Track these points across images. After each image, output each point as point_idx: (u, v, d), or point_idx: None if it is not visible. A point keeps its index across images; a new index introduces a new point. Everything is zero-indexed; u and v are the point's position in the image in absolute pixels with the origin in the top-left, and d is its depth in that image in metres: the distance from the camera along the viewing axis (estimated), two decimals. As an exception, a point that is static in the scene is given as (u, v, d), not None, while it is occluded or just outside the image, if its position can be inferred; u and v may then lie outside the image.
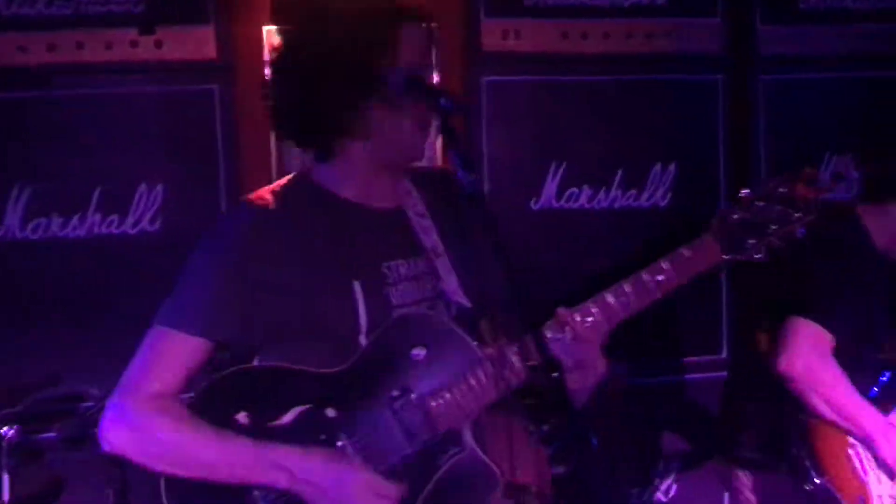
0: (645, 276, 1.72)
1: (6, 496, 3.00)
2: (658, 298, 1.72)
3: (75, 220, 3.51)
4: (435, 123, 1.71)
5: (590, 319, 1.70)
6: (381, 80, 1.71)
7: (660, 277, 1.71)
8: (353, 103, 1.73)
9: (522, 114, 3.86)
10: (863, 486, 2.72)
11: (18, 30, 3.41)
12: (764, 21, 3.95)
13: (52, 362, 3.37)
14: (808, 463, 2.77)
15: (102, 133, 3.53)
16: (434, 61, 1.98)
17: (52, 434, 3.15)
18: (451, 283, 1.86)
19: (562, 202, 3.92)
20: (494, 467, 1.79)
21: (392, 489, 1.68)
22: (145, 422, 1.71)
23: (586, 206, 3.93)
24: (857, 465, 2.75)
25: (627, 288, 1.72)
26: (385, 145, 1.77)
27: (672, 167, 3.95)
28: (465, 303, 1.82)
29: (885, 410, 2.71)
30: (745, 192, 1.76)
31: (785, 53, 4.00)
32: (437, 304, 1.85)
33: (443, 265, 1.86)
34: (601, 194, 3.93)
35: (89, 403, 3.19)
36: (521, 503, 3.02)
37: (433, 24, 1.89)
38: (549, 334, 1.69)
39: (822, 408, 2.70)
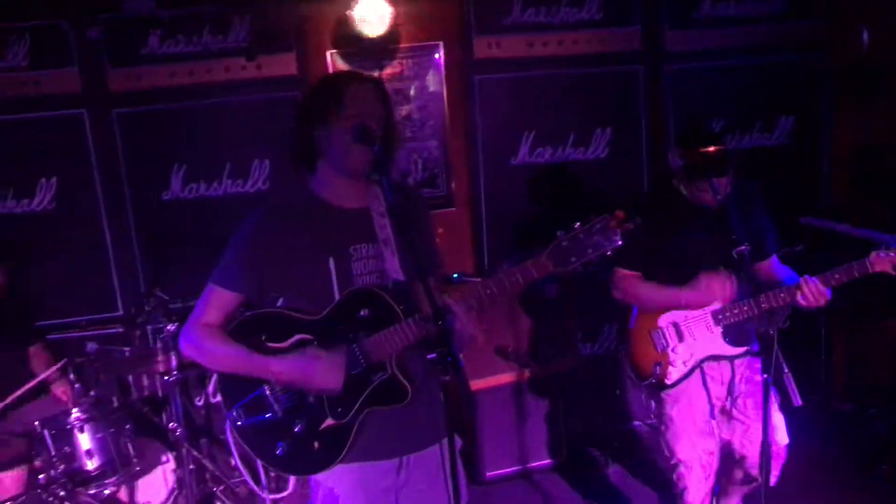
0: (503, 277, 2.18)
1: (174, 364, 3.99)
2: (511, 293, 2.19)
3: (214, 184, 4.69)
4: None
5: (467, 305, 2.18)
6: (330, 124, 2.17)
7: (512, 279, 2.18)
8: (313, 138, 2.24)
9: (503, 99, 4.83)
10: (660, 355, 3.20)
11: (168, 63, 4.56)
12: (671, 27, 4.93)
13: (203, 277, 4.19)
14: (623, 352, 3.41)
15: (228, 127, 4.64)
16: (380, 108, 2.23)
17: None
18: (392, 263, 2.27)
19: (532, 158, 4.92)
20: (407, 385, 2.26)
21: (340, 365, 2.21)
22: (198, 340, 2.30)
23: (549, 160, 4.93)
24: (656, 343, 3.20)
25: (493, 285, 2.18)
26: (335, 162, 2.24)
27: (609, 130, 4.94)
28: (401, 278, 2.27)
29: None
30: (576, 224, 2.12)
31: (685, 50, 4.94)
32: (383, 276, 2.29)
33: (388, 251, 2.28)
34: (559, 151, 4.93)
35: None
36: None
37: (375, 84, 2.26)
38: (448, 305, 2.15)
39: (648, 307, 3.22)
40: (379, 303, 2.25)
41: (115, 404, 3.84)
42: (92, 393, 3.93)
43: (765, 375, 2.75)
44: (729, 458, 3.41)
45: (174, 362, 4.03)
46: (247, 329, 2.29)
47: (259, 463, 3.90)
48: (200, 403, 4.70)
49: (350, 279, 2.26)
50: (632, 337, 3.34)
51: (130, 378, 4.60)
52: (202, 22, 4.57)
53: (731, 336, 3.17)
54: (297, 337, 2.27)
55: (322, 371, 2.20)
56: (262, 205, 2.31)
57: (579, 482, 4.52)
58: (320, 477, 2.36)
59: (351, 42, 4.66)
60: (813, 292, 2.93)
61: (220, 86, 4.62)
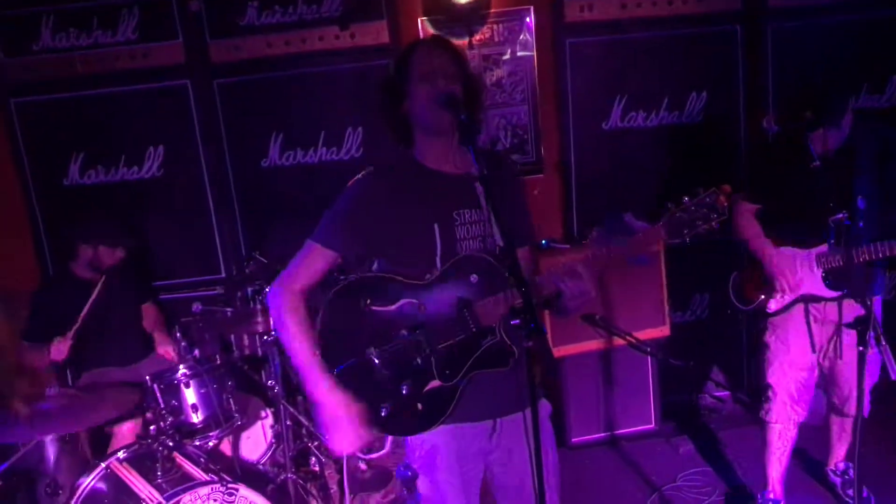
0: (620, 241, 2.22)
1: (273, 325, 3.69)
2: (627, 257, 2.23)
3: (311, 151, 4.80)
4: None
5: (587, 266, 2.22)
6: (408, 93, 2.27)
7: (626, 248, 2.22)
8: (400, 112, 2.32)
9: (595, 63, 4.75)
10: (765, 287, 3.42)
11: (265, 33, 4.68)
12: None
13: (299, 241, 4.29)
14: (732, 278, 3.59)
15: (323, 96, 4.72)
16: (452, 66, 2.27)
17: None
18: (494, 230, 2.29)
19: (625, 123, 4.83)
20: (514, 349, 2.30)
21: (353, 432, 2.22)
22: (282, 311, 2.32)
23: (643, 125, 4.83)
24: (764, 274, 3.42)
25: (608, 251, 2.22)
26: (425, 128, 2.31)
27: (704, 94, 4.79)
28: (501, 244, 2.28)
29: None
30: (686, 198, 2.18)
31: (788, 6, 4.68)
32: (487, 241, 2.32)
33: (491, 216, 2.29)
34: (652, 115, 4.82)
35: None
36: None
37: (443, 43, 2.35)
38: (556, 275, 2.21)
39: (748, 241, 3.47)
40: (487, 269, 2.27)
41: (218, 362, 4.03)
42: (196, 352, 4.14)
43: (860, 348, 2.76)
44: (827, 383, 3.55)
45: (273, 323, 4.19)
46: (352, 291, 2.30)
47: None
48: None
49: (454, 244, 2.29)
50: (745, 267, 3.52)
51: (232, 337, 4.84)
52: None
53: (833, 279, 3.27)
54: (403, 301, 2.29)
55: (339, 428, 2.22)
56: (367, 168, 2.34)
57: (666, 451, 4.53)
58: (418, 437, 2.40)
59: (441, 8, 4.67)
60: None
61: (314, 55, 4.72)
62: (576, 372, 4.45)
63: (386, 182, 2.33)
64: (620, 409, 4.59)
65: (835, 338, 3.39)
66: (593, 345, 4.45)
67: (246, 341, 4.87)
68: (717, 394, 5.14)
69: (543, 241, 4.46)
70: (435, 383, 2.30)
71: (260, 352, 4.79)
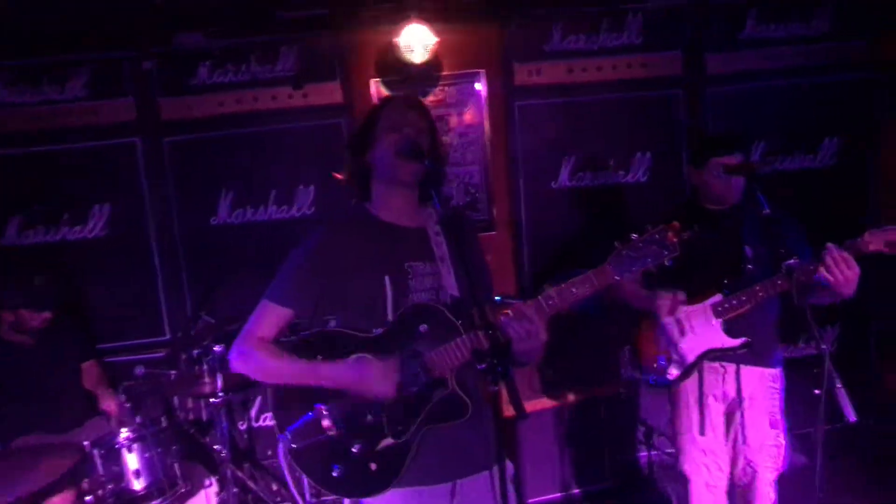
0: (565, 287, 2.17)
1: (220, 386, 4.03)
2: (575, 302, 2.17)
3: (261, 209, 4.75)
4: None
5: (536, 308, 2.15)
6: (375, 143, 2.29)
7: (573, 290, 2.17)
8: (363, 163, 2.33)
9: (544, 125, 4.85)
10: (663, 351, 3.26)
11: (217, 92, 4.67)
12: (712, 51, 4.90)
13: (250, 299, 3.85)
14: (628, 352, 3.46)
15: (274, 154, 4.71)
16: (419, 120, 2.32)
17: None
18: (449, 281, 2.28)
19: (573, 182, 4.90)
20: (468, 400, 2.24)
21: (392, 370, 2.18)
22: (251, 353, 2.28)
23: (590, 184, 4.90)
24: (659, 338, 3.26)
25: (554, 293, 2.17)
26: (386, 180, 2.31)
27: (649, 155, 4.92)
28: (457, 294, 2.27)
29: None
30: (633, 235, 2.14)
31: (727, 72, 4.88)
32: (439, 293, 2.28)
33: (445, 268, 2.29)
34: (600, 175, 4.91)
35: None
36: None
37: (412, 99, 2.40)
38: (505, 319, 2.11)
39: (624, 301, 3.35)
40: (438, 318, 2.24)
41: (164, 424, 3.86)
42: (138, 418, 3.97)
43: (817, 391, 2.72)
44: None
45: (220, 384, 4.07)
46: (302, 349, 2.28)
47: (306, 483, 3.89)
48: (244, 427, 4.77)
49: (406, 296, 2.26)
50: (637, 334, 3.38)
51: (176, 401, 4.67)
52: (250, 52, 4.69)
53: (731, 328, 3.15)
54: (354, 356, 2.25)
55: (376, 376, 2.18)
56: (322, 223, 2.35)
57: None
58: (373, 501, 2.31)
59: (394, 70, 4.74)
60: (838, 260, 2.74)
61: (267, 114, 4.73)
62: (531, 429, 4.39)
63: (339, 236, 2.32)
64: (576, 467, 4.52)
65: (737, 419, 3.27)
66: (548, 402, 4.41)
67: (190, 405, 4.72)
68: (668, 450, 5.09)
69: (497, 298, 4.42)
70: (388, 441, 2.25)
71: (205, 416, 4.65)
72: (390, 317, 2.25)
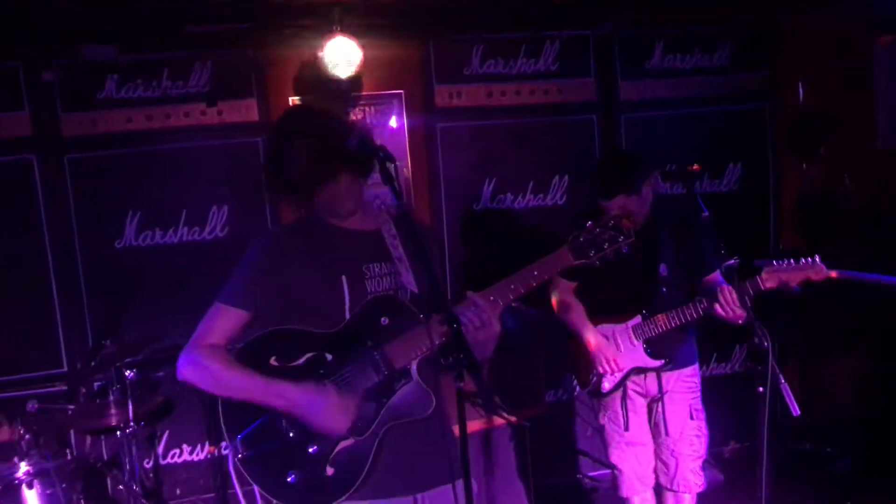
0: (525, 272, 2.19)
1: (131, 416, 3.81)
2: (533, 287, 2.19)
3: (170, 231, 4.58)
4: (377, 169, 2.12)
5: (491, 298, 2.15)
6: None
7: (535, 272, 2.19)
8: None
9: (465, 147, 4.91)
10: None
11: (125, 107, 4.49)
12: (623, 78, 5.09)
13: (159, 325, 4.11)
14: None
15: (186, 173, 4.57)
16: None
17: (162, 373, 4.09)
18: (408, 278, 2.26)
19: (494, 204, 4.98)
20: (431, 392, 2.21)
21: (351, 407, 2.12)
22: (202, 360, 2.18)
23: (510, 206, 4.99)
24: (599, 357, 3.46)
25: (515, 278, 2.19)
26: (322, 208, 2.25)
27: (566, 178, 5.03)
28: (415, 290, 2.24)
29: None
30: (589, 223, 2.21)
31: (636, 99, 5.08)
32: (398, 292, 2.26)
33: (403, 267, 2.26)
34: (519, 198, 4.99)
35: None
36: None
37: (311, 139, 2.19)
38: (457, 308, 2.11)
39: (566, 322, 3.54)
40: (399, 310, 2.21)
41: (69, 457, 3.55)
42: (33, 452, 3.62)
43: (761, 389, 2.88)
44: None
45: (131, 414, 3.82)
46: (253, 351, 2.19)
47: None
48: (150, 466, 4.46)
49: (363, 296, 2.22)
50: (574, 348, 3.57)
51: (72, 437, 4.39)
52: (162, 67, 4.53)
53: (653, 348, 3.40)
54: (310, 354, 2.18)
55: (331, 410, 2.11)
56: (273, 227, 2.40)
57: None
58: None
59: (313, 88, 4.66)
60: (728, 301, 3.08)
61: (179, 131, 4.58)
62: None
63: (292, 237, 2.29)
64: (501, 494, 4.38)
65: (658, 413, 3.50)
66: (475, 424, 4.26)
67: (89, 441, 4.41)
68: (592, 474, 5.11)
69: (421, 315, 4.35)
70: (346, 442, 2.15)
71: (106, 453, 4.37)
72: (347, 314, 2.20)
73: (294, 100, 4.70)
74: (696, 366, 3.57)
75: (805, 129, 5.18)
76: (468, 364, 1.88)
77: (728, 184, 5.30)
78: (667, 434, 3.50)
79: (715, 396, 3.81)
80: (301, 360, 2.18)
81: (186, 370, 2.19)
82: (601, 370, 3.43)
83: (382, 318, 2.20)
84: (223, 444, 2.15)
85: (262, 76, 4.65)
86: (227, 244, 4.58)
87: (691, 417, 3.51)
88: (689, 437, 3.51)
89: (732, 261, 3.11)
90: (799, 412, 2.87)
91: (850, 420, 4.84)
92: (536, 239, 4.69)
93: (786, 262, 3.07)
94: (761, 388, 2.86)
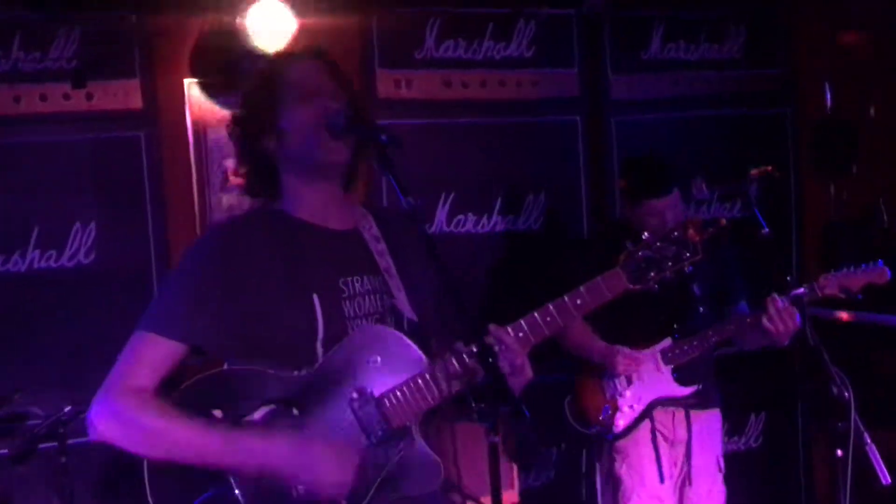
0: (566, 301, 1.88)
1: None
2: (577, 318, 1.91)
3: (16, 256, 3.67)
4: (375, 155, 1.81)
5: (521, 334, 1.85)
6: (284, 118, 1.87)
7: (578, 301, 1.88)
8: (265, 150, 1.91)
9: (414, 152, 3.93)
10: (608, 400, 3.33)
11: None
12: (613, 71, 4.41)
13: None
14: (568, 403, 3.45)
15: (40, 177, 3.71)
16: (335, 88, 1.89)
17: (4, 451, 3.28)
18: (401, 299, 1.95)
19: (451, 227, 4.24)
20: (438, 459, 1.90)
21: (353, 453, 1.78)
22: (129, 411, 1.80)
23: (472, 230, 4.26)
24: (606, 389, 3.34)
25: (552, 309, 1.88)
26: (304, 167, 1.90)
27: (542, 196, 4.33)
28: (413, 317, 1.94)
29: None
30: (646, 235, 1.96)
31: (627, 98, 4.45)
32: (387, 317, 1.94)
33: (395, 284, 1.96)
34: (483, 220, 4.27)
35: (35, 421, 3.28)
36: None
37: (318, 55, 1.97)
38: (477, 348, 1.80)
39: (574, 350, 3.36)
40: (395, 346, 1.89)
41: None
42: None
43: (839, 452, 2.68)
44: None
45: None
46: (197, 397, 1.83)
47: None
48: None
49: (341, 323, 1.87)
50: (579, 384, 3.43)
51: None
52: (13, 31, 3.64)
53: (681, 375, 3.31)
54: (271, 406, 1.83)
55: (327, 461, 1.77)
56: (213, 228, 2.11)
57: None
58: None
59: (216, 70, 3.80)
60: (779, 310, 2.98)
61: (31, 120, 3.70)
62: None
63: (242, 238, 1.90)
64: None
65: (684, 463, 3.38)
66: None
67: None
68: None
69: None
70: None
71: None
72: (320, 350, 1.86)
73: (190, 82, 3.85)
74: (720, 410, 3.50)
75: (833, 140, 4.68)
76: (514, 410, 1.63)
77: (741, 207, 4.58)
78: (690, 485, 3.38)
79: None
80: (256, 415, 1.82)
81: (104, 425, 1.82)
82: (620, 369, 3.27)
83: (373, 358, 1.87)
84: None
85: (149, 50, 3.83)
86: (93, 274, 3.75)
87: (718, 470, 3.43)
88: (715, 492, 3.40)
89: (801, 289, 2.98)
90: (889, 481, 2.70)
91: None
92: (506, 274, 4.24)
93: (845, 268, 3.05)
94: (840, 451, 2.67)
